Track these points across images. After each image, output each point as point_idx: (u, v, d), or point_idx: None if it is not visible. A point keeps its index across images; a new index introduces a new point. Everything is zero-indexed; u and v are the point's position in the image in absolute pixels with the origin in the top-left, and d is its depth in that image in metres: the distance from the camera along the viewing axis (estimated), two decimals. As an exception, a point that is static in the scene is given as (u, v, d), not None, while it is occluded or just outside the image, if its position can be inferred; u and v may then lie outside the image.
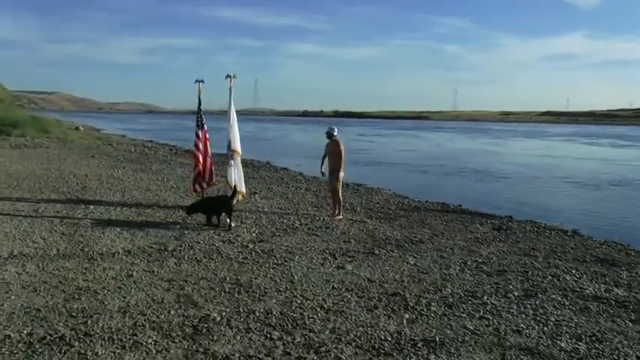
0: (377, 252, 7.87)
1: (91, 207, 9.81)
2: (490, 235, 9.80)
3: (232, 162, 9.08)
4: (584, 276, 7.16)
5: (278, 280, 6.08)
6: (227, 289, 5.62)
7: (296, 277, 6.27)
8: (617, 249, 9.19)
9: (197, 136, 10.57)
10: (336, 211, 10.82)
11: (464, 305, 5.63)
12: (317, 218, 10.38)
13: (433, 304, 5.61)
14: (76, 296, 5.13)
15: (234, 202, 9.14)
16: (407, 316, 5.22)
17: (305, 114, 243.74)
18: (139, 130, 56.62)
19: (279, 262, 6.94)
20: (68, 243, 7.12)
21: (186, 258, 6.76)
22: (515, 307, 5.66)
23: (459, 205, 13.95)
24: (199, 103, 10.61)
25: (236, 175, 9.10)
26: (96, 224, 8.42)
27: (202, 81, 10.62)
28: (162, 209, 10.19)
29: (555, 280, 6.86)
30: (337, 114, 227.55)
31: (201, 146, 10.47)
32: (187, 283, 5.74)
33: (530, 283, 6.63)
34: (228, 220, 8.82)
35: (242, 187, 9.21)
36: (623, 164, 30.96)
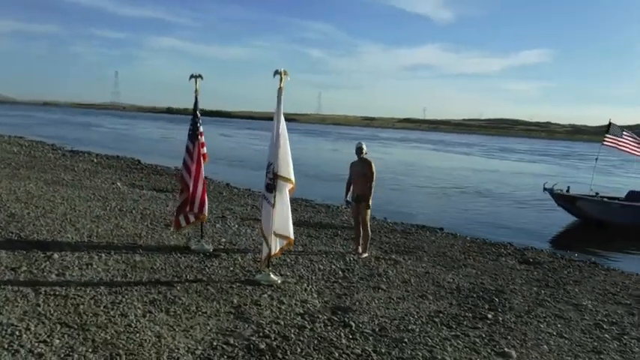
0: (489, 316, 6.02)
1: (55, 256, 6.37)
2: (536, 273, 8.71)
3: (273, 195, 6.35)
4: None
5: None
6: None
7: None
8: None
9: (187, 150, 7.75)
10: (361, 248, 8.68)
11: None
12: (346, 259, 8.18)
13: None
14: None
15: (274, 251, 6.50)
16: None
17: (169, 111, 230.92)
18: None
19: (427, 354, 4.71)
20: (96, 352, 4.02)
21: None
22: None
23: (441, 228, 12.94)
24: (195, 105, 7.82)
25: (281, 213, 6.42)
26: (95, 294, 5.21)
27: (200, 76, 7.83)
28: (152, 254, 7.11)
29: None
30: (204, 113, 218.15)
31: (192, 166, 7.68)
32: None
33: None
34: None
35: (289, 231, 6.55)
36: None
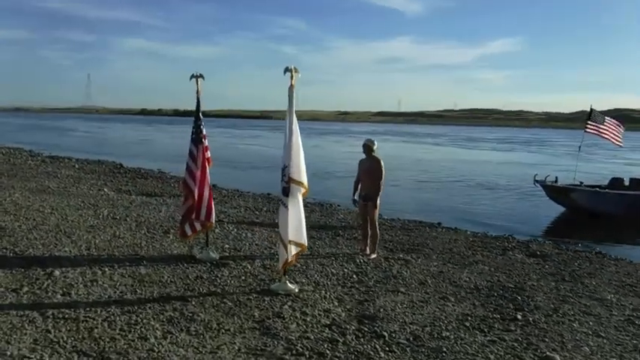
0: (518, 316, 5.76)
1: (56, 272, 5.86)
2: (547, 267, 8.51)
3: (288, 199, 5.99)
4: None
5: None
6: None
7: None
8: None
9: (191, 155, 7.28)
10: (369, 249, 8.35)
11: None
12: (356, 261, 7.85)
13: None
14: None
15: (289, 258, 6.11)
16: None
17: (143, 112, 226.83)
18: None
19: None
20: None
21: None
22: None
23: (439, 223, 12.70)
24: (198, 106, 7.33)
25: (295, 219, 6.04)
26: (108, 315, 4.76)
27: (201, 76, 7.35)
28: (157, 266, 6.65)
29: None
30: (177, 113, 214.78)
31: (197, 171, 7.21)
32: None
33: None
34: None
35: (302, 238, 6.17)
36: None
